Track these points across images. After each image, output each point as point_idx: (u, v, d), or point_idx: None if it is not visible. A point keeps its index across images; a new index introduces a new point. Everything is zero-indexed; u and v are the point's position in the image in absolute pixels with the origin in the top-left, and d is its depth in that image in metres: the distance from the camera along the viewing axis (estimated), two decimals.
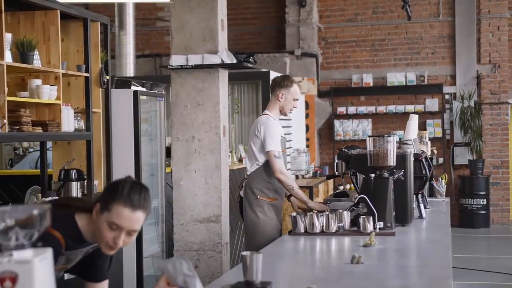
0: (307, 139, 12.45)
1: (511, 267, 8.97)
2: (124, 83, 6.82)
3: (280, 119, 5.45)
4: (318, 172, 10.90)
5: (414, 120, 5.85)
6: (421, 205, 5.06)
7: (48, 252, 1.82)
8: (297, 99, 5.41)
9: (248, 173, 5.42)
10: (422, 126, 12.54)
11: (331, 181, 11.12)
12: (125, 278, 6.12)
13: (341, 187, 10.18)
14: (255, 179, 5.33)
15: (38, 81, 5.22)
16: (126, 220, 2.62)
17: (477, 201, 12.43)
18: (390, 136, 4.47)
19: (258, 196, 5.29)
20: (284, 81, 5.40)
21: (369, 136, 4.51)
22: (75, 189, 5.56)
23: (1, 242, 1.80)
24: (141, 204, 2.65)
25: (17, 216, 1.81)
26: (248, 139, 5.44)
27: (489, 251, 10.80)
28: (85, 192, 5.76)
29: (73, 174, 5.58)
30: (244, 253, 2.79)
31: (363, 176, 4.61)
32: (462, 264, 9.01)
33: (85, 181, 5.74)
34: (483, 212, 12.47)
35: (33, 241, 1.81)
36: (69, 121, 5.47)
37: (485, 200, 12.46)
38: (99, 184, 6.01)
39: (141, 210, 2.65)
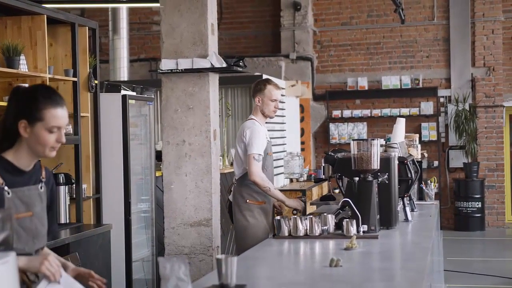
0: (303, 143, 12.46)
1: (506, 270, 8.98)
2: (114, 87, 6.83)
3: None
4: (313, 175, 10.90)
5: (400, 124, 5.86)
6: (407, 208, 5.06)
7: (11, 256, 1.83)
8: (275, 100, 5.43)
9: (236, 178, 5.44)
10: (417, 129, 12.57)
11: (325, 184, 11.12)
12: (113, 282, 6.11)
13: (337, 191, 10.17)
14: (244, 183, 5.36)
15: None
16: (61, 119, 2.85)
17: (472, 204, 12.43)
18: (374, 139, 4.48)
19: (248, 200, 5.33)
20: (258, 85, 5.46)
21: (353, 140, 4.52)
22: (63, 194, 5.57)
23: None
24: (62, 100, 2.89)
25: None
26: None
27: (484, 254, 10.80)
28: (74, 196, 5.77)
29: (61, 178, 5.59)
30: (219, 256, 2.82)
31: (348, 179, 4.62)
32: (456, 267, 9.02)
33: (73, 185, 5.75)
34: (478, 215, 12.47)
35: None
36: None
37: (480, 203, 12.46)
38: (87, 188, 6.02)
39: (64, 105, 2.90)
